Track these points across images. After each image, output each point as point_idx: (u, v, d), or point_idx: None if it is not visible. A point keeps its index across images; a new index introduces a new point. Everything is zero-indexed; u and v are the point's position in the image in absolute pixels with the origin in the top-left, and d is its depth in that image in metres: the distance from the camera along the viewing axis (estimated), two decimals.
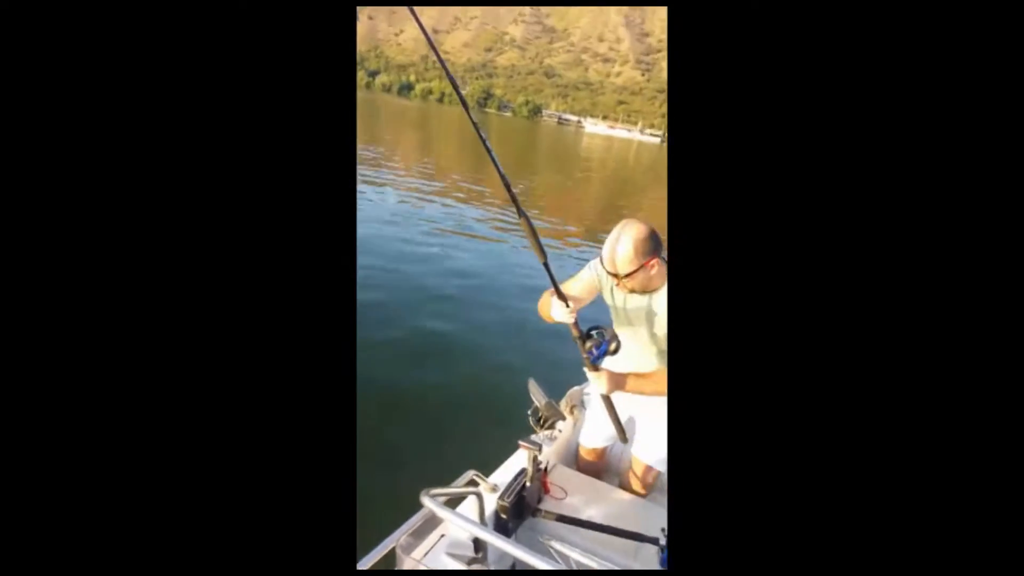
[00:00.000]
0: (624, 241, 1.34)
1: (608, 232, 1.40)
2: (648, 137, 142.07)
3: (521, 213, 1.29)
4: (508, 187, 1.25)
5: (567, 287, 1.49)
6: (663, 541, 1.29)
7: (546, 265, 1.33)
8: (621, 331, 1.46)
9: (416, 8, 1.04)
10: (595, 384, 1.44)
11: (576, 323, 1.37)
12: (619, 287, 1.45)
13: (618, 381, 1.43)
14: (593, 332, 1.40)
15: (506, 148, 24.96)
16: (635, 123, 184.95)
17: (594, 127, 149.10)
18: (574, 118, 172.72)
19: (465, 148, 19.80)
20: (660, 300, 1.44)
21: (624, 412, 1.59)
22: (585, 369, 1.43)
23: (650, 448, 1.62)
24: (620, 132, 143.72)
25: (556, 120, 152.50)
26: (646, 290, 1.44)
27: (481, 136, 1.19)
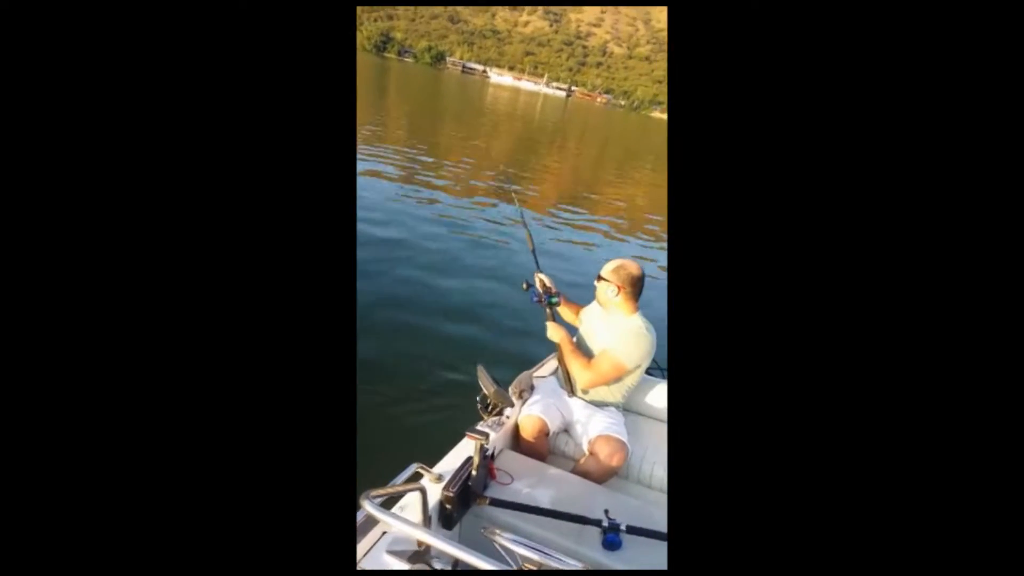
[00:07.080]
0: (620, 261, 1.91)
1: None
2: (554, 91, 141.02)
3: (530, 237, 2.31)
4: (535, 254, 2.25)
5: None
6: (606, 523, 1.36)
7: (533, 252, 2.26)
8: (579, 337, 2.02)
9: None
10: (549, 331, 1.93)
11: (545, 286, 2.08)
12: (596, 290, 1.96)
13: (565, 336, 1.91)
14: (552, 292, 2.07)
15: (404, 100, 22.82)
16: (541, 76, 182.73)
17: (500, 78, 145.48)
18: (479, 67, 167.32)
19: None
20: (606, 322, 1.92)
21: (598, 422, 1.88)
22: (547, 322, 1.94)
23: (613, 428, 1.83)
24: (527, 84, 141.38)
25: (460, 69, 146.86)
26: (601, 302, 1.95)
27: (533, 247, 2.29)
